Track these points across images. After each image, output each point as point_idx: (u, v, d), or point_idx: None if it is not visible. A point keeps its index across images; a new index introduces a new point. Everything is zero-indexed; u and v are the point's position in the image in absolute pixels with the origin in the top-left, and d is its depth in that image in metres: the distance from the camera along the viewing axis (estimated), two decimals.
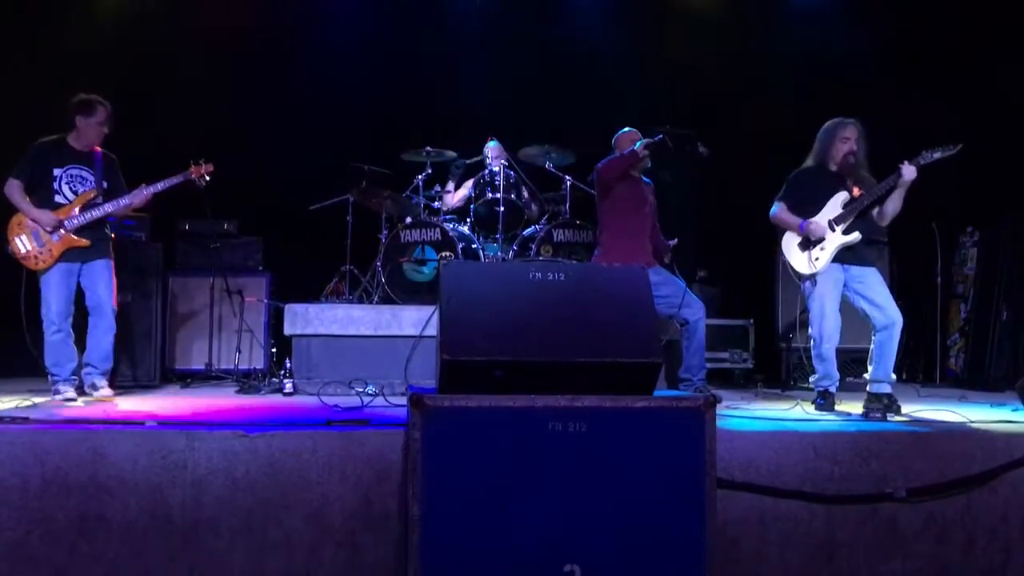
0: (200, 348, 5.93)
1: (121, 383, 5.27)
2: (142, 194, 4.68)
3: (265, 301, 5.97)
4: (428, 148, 6.24)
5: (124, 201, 4.66)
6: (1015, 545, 3.43)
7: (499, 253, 6.03)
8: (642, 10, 7.58)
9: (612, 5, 7.63)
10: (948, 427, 3.83)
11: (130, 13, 6.95)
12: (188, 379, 5.72)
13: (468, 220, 6.20)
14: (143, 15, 6.95)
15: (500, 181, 6.03)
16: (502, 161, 6.16)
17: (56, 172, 4.60)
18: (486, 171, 6.22)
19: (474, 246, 6.00)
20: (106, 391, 4.59)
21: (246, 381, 5.34)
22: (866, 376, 4.49)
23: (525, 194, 6.27)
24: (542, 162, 6.42)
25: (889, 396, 4.32)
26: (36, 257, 4.51)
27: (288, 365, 5.27)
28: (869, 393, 4.38)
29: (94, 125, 4.63)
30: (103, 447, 3.20)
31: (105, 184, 4.72)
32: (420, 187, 6.27)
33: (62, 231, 4.53)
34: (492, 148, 6.39)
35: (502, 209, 5.96)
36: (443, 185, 6.43)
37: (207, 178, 4.85)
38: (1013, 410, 4.51)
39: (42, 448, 3.18)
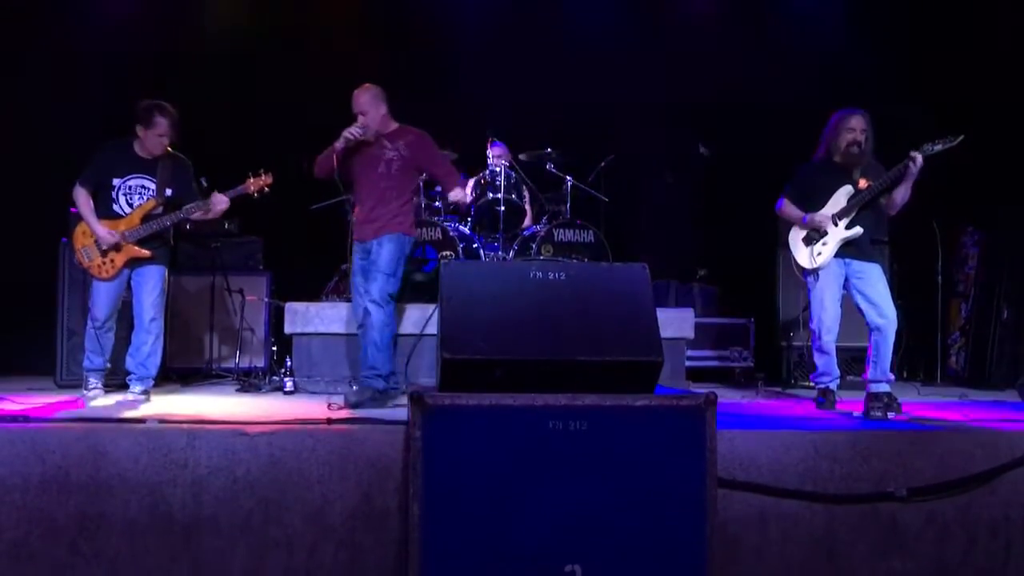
0: (200, 347, 5.93)
1: (121, 382, 5.26)
2: (216, 208, 4.60)
3: (265, 300, 5.97)
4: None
5: (181, 215, 4.56)
6: (1015, 545, 3.43)
7: (499, 253, 6.03)
8: (644, 10, 7.58)
9: (614, 5, 7.63)
10: (949, 426, 3.83)
11: (133, 12, 6.96)
12: (189, 378, 5.72)
13: (469, 220, 6.20)
14: (145, 15, 6.96)
15: (501, 181, 6.03)
16: (503, 162, 6.16)
17: (116, 183, 4.52)
18: (487, 171, 6.22)
19: (475, 246, 6.00)
20: (133, 394, 4.49)
21: (247, 380, 5.34)
22: (864, 377, 4.49)
23: (526, 194, 6.27)
24: (543, 163, 6.42)
25: (889, 395, 4.32)
26: (100, 267, 4.49)
27: (289, 364, 5.27)
28: (868, 393, 4.38)
29: (153, 137, 4.51)
30: (104, 446, 3.20)
31: (169, 192, 4.58)
32: (420, 187, 6.26)
33: (122, 243, 4.47)
34: (496, 147, 6.39)
35: (503, 209, 5.96)
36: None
37: (266, 190, 4.76)
38: (1014, 409, 4.51)
39: (43, 447, 3.19)
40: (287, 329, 5.28)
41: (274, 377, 5.32)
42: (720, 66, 7.32)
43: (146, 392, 4.51)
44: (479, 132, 6.43)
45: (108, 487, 3.17)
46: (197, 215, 4.62)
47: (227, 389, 5.25)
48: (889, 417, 4.08)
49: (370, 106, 4.64)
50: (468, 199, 4.69)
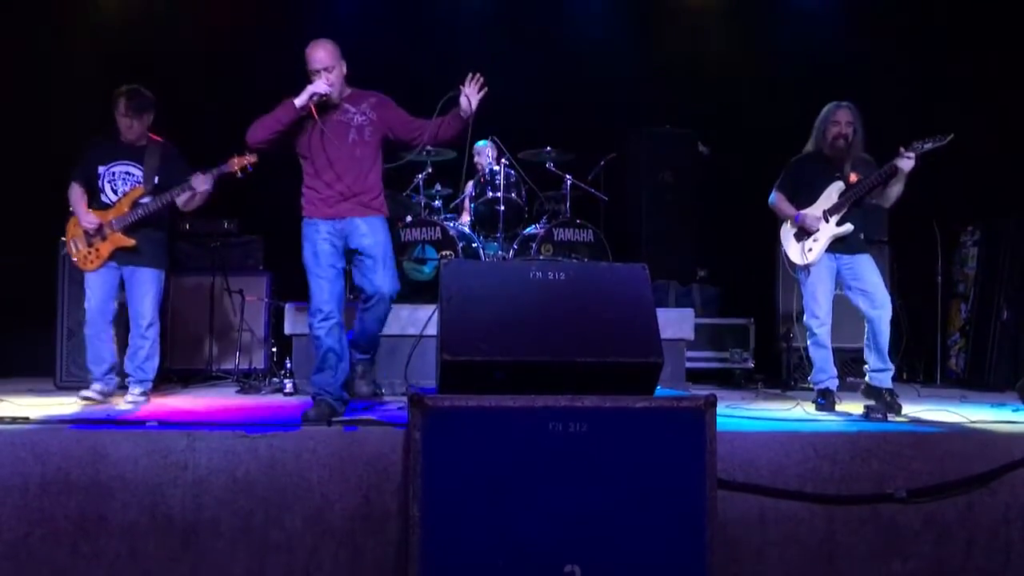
0: (200, 348, 5.93)
1: (121, 383, 5.26)
2: (200, 188, 4.40)
3: (266, 300, 5.96)
4: (428, 147, 6.21)
5: (167, 198, 4.44)
6: (1015, 546, 3.43)
7: (499, 252, 6.02)
8: (643, 10, 7.58)
9: (613, 5, 7.62)
10: (948, 427, 3.83)
11: (131, 11, 6.96)
12: (188, 379, 5.71)
13: (469, 219, 6.20)
14: (145, 14, 6.95)
15: (500, 180, 6.02)
16: (503, 160, 6.15)
17: (100, 170, 4.50)
18: (486, 170, 6.21)
19: (474, 245, 5.99)
20: (132, 396, 4.47)
21: (247, 381, 5.34)
22: (865, 368, 4.50)
23: (524, 194, 6.26)
24: (542, 162, 6.41)
25: (891, 392, 4.32)
26: (85, 258, 4.46)
27: (289, 365, 5.27)
28: (868, 386, 4.38)
29: (119, 118, 4.49)
30: (104, 447, 3.20)
31: (156, 179, 4.51)
32: (420, 186, 6.26)
33: (107, 231, 4.43)
34: (483, 147, 6.37)
35: (502, 208, 5.95)
36: (443, 186, 6.42)
37: (249, 169, 4.46)
38: (1014, 410, 4.51)
39: (43, 448, 3.19)
40: (287, 330, 5.28)
41: (274, 378, 5.32)
42: (720, 64, 7.32)
43: (145, 394, 4.51)
44: (478, 130, 6.42)
45: (108, 489, 3.17)
46: (184, 198, 4.45)
47: (227, 390, 5.26)
48: (889, 418, 4.08)
49: (334, 61, 4.00)
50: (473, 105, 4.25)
